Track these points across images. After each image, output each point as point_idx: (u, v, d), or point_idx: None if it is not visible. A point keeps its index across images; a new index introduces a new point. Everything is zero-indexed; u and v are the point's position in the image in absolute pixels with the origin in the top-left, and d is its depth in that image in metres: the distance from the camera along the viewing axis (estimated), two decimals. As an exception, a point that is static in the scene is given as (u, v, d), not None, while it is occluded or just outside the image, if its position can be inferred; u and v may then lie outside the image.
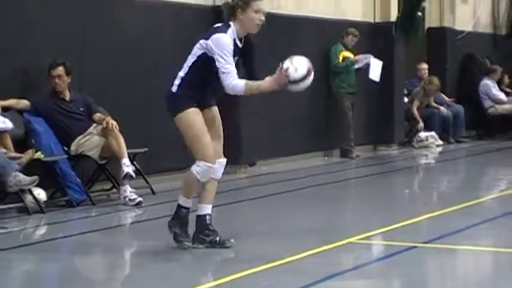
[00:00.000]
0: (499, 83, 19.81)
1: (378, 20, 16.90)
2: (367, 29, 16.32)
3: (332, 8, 15.80)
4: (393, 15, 16.55)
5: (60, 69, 10.37)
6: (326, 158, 15.53)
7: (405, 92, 17.99)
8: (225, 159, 7.83)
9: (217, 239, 7.55)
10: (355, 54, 15.56)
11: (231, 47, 7.28)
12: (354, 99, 15.78)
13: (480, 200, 10.86)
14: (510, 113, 19.08)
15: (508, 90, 19.72)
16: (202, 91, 7.49)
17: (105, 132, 10.33)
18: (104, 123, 10.37)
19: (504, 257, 7.64)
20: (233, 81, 7.27)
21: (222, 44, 7.26)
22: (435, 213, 9.73)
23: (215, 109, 7.67)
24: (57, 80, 10.37)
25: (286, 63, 7.21)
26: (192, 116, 7.40)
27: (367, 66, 15.40)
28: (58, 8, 10.86)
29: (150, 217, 9.68)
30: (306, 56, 8.49)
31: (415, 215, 9.40)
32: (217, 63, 7.29)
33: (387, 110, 17.21)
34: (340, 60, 15.45)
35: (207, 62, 7.34)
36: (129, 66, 11.78)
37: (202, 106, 7.49)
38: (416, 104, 17.86)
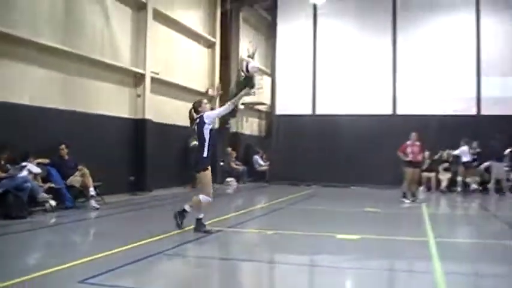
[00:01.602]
0: (262, 157, 20.19)
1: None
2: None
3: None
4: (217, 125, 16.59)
5: (63, 146, 10.28)
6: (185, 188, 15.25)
7: (221, 159, 18.14)
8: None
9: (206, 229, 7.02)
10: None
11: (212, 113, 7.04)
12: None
13: (253, 208, 10.47)
14: (265, 171, 19.36)
15: (265, 160, 20.06)
16: (211, 148, 6.97)
17: (82, 175, 10.17)
18: (82, 171, 10.22)
19: (268, 235, 7.30)
20: (221, 109, 7.05)
21: (209, 113, 7.01)
22: (241, 212, 9.43)
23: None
24: (61, 151, 10.27)
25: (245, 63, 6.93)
26: (209, 173, 7.00)
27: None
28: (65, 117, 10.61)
29: (103, 215, 9.34)
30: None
31: (227, 213, 9.10)
32: (215, 116, 7.06)
33: (213, 168, 17.04)
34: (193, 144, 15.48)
35: (212, 132, 7.02)
36: (97, 146, 11.61)
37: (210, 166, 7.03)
38: (232, 163, 18.24)
